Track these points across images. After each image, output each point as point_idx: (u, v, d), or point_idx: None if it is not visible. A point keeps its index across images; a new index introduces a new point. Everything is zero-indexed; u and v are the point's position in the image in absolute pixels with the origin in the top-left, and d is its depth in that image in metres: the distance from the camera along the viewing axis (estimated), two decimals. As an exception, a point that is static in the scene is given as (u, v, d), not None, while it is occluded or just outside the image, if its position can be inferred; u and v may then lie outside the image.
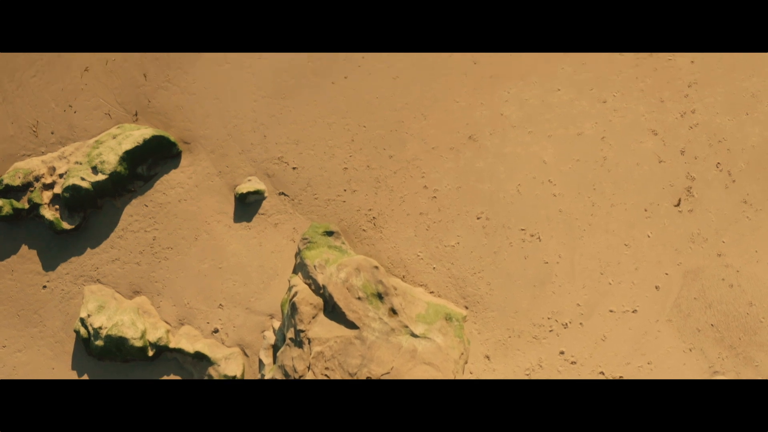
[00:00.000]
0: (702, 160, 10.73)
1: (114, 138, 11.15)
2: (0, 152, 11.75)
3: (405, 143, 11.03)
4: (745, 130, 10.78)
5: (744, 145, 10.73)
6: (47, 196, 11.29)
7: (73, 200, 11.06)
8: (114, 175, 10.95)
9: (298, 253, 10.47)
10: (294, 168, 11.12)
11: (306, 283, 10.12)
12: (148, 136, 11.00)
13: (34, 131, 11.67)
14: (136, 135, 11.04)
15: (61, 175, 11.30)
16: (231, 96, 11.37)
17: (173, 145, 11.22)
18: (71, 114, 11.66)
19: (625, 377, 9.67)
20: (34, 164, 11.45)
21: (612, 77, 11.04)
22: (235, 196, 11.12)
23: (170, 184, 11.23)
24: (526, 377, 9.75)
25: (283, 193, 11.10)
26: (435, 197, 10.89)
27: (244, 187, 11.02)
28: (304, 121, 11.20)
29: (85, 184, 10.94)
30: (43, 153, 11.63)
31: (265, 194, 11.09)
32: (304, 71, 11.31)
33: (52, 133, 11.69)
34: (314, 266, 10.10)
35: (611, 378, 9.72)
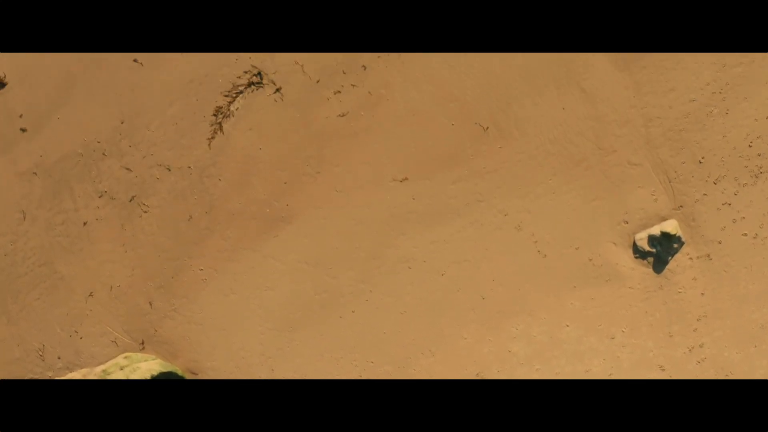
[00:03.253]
0: (711, 397, 14.18)
1: (122, 369, 14.81)
2: (7, 375, 15.46)
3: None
4: (753, 362, 14.24)
5: (751, 378, 14.16)
6: (54, 425, 14.93)
7: (81, 432, 14.68)
8: (122, 410, 14.58)
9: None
10: (301, 404, 14.70)
11: None
12: (155, 372, 14.65)
13: (41, 355, 15.35)
14: (143, 368, 14.69)
15: (67, 404, 14.94)
16: (238, 327, 15.01)
17: (180, 377, 14.86)
18: (77, 339, 15.34)
19: None
20: (40, 390, 15.11)
21: (621, 312, 14.55)
22: (242, 431, 14.71)
23: (178, 416, 14.84)
24: None
25: (290, 429, 14.67)
26: (443, 436, 14.42)
27: (252, 423, 14.61)
28: (312, 355, 14.81)
29: (93, 418, 14.57)
30: (50, 377, 15.29)
31: (273, 429, 14.66)
32: (311, 304, 14.92)
33: (59, 357, 15.37)
34: None
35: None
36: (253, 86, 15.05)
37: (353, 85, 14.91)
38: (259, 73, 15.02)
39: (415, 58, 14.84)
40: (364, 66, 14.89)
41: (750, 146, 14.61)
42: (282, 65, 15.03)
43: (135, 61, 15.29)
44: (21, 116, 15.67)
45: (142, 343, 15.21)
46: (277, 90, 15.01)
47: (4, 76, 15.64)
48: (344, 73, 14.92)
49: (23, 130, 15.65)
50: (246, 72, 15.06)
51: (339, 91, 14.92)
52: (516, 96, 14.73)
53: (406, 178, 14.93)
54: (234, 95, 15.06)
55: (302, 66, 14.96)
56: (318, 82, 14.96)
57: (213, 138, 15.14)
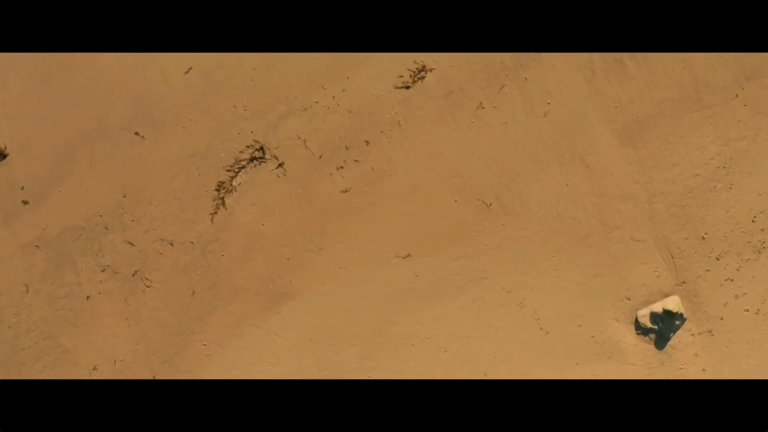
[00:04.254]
0: (712, 475, 14.62)
1: (126, 445, 15.21)
2: (10, 446, 15.88)
3: (415, 458, 15.01)
4: (757, 440, 14.66)
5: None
6: (59, 498, 15.38)
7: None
8: (127, 486, 15.03)
9: None
10: (305, 480, 15.15)
11: None
12: (161, 449, 15.06)
13: (44, 428, 15.77)
14: (148, 444, 15.10)
15: (72, 478, 15.39)
16: (241, 403, 15.40)
17: (185, 453, 15.29)
18: (81, 412, 15.74)
19: None
20: (45, 464, 15.54)
21: (623, 388, 14.91)
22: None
23: (182, 491, 15.29)
24: None
25: (294, 504, 15.13)
26: None
27: (256, 500, 15.07)
28: None
29: (98, 494, 15.02)
30: (54, 448, 15.73)
31: (277, 505, 15.12)
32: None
33: (62, 430, 15.78)
34: None
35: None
36: (255, 161, 15.41)
37: (356, 161, 15.27)
38: (262, 148, 15.37)
39: (419, 133, 15.18)
40: (366, 141, 15.25)
41: (753, 221, 14.98)
42: (284, 140, 15.41)
43: (136, 134, 15.63)
44: (22, 188, 16.03)
45: (146, 418, 15.62)
46: (280, 165, 15.37)
47: (5, 147, 15.98)
48: (347, 148, 15.28)
49: (25, 202, 16.02)
50: (248, 146, 15.42)
51: (342, 167, 15.27)
52: (519, 172, 15.09)
53: (409, 255, 15.31)
54: (236, 170, 15.42)
55: (305, 141, 15.32)
56: (320, 157, 15.32)
57: (215, 213, 15.52)
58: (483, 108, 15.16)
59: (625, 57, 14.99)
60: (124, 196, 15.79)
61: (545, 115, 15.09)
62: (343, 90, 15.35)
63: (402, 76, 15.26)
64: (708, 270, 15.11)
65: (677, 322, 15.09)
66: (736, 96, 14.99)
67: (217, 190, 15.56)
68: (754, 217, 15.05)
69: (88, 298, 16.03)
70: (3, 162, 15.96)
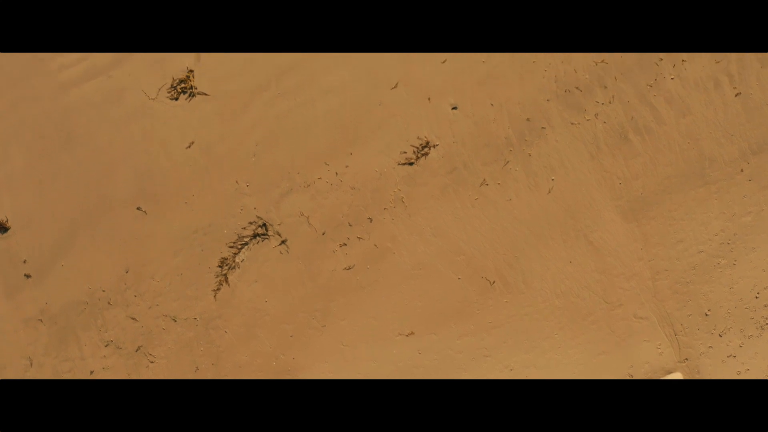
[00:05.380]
0: None
1: None
2: None
3: None
4: None
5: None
6: None
7: None
8: None
9: None
10: None
11: None
12: None
13: (49, 500, 16.04)
14: None
15: None
16: (246, 479, 15.66)
17: None
18: (86, 486, 16.00)
19: None
20: None
21: (625, 466, 15.17)
22: None
23: None
24: None
25: None
26: None
27: None
28: (319, 508, 15.49)
29: None
30: None
31: None
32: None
33: (67, 503, 16.06)
34: None
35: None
36: (258, 237, 15.55)
37: (359, 238, 15.44)
38: (264, 224, 15.53)
39: (422, 210, 15.33)
40: (370, 218, 15.41)
41: (756, 297, 15.19)
42: (287, 216, 15.57)
43: (138, 209, 15.75)
44: (25, 262, 16.17)
45: (151, 493, 15.88)
46: (283, 242, 15.53)
47: (7, 221, 16.11)
48: (350, 225, 15.44)
49: (27, 276, 16.15)
50: (251, 223, 15.58)
51: (345, 244, 15.45)
52: (523, 249, 15.28)
53: (413, 333, 15.52)
54: (239, 246, 15.59)
55: (308, 218, 15.48)
56: (324, 234, 15.49)
57: (218, 289, 15.70)
58: (487, 185, 15.30)
59: (630, 132, 15.11)
60: (127, 272, 15.95)
61: (549, 192, 15.23)
62: (347, 166, 15.48)
63: (405, 152, 15.39)
64: (711, 347, 15.33)
65: (680, 400, 15.36)
66: (741, 171, 15.14)
67: (220, 266, 15.73)
68: (758, 293, 15.24)
69: (91, 373, 16.23)
70: (5, 235, 16.09)
